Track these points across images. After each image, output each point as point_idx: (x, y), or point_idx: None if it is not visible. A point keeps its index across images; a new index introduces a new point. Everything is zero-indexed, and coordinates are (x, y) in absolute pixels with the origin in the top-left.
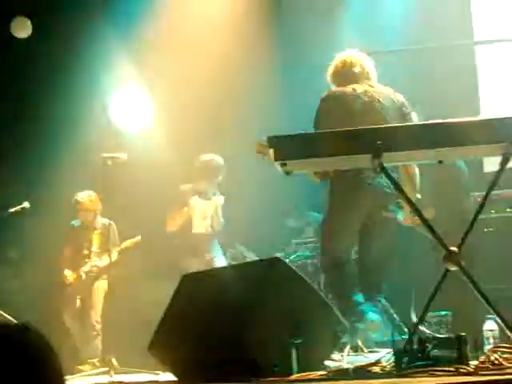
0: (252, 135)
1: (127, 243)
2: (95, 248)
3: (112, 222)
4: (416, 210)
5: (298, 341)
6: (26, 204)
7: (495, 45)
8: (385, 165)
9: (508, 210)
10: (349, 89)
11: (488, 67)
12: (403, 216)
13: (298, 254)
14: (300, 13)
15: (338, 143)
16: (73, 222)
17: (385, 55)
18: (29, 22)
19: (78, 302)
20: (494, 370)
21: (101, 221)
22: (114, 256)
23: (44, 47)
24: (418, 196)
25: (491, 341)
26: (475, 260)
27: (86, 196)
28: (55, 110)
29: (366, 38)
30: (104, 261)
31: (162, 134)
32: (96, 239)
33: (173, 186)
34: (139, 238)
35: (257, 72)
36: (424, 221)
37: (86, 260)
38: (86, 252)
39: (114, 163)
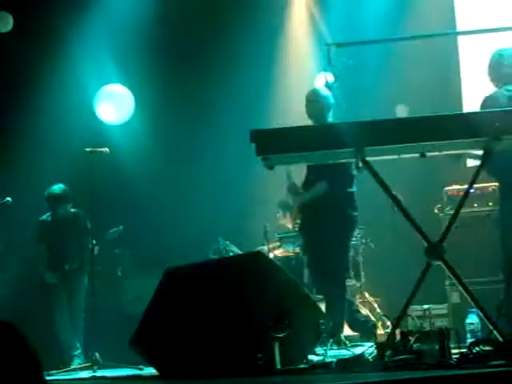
0: (238, 128)
1: (109, 234)
2: (72, 240)
3: (82, 212)
4: (399, 205)
5: (281, 335)
6: (8, 199)
7: (478, 35)
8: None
9: (475, 205)
10: None
11: (471, 58)
12: None
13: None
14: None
15: (321, 137)
16: (43, 217)
17: (365, 45)
18: (10, 17)
19: (64, 298)
20: (475, 363)
21: (72, 211)
22: (96, 250)
23: (26, 41)
24: None
25: (473, 334)
26: None
27: (59, 189)
28: (37, 104)
29: (347, 29)
30: (83, 254)
31: (144, 127)
32: (70, 232)
33: (154, 180)
34: (121, 227)
35: (242, 65)
36: (407, 216)
37: (64, 255)
38: (62, 246)
39: (97, 157)
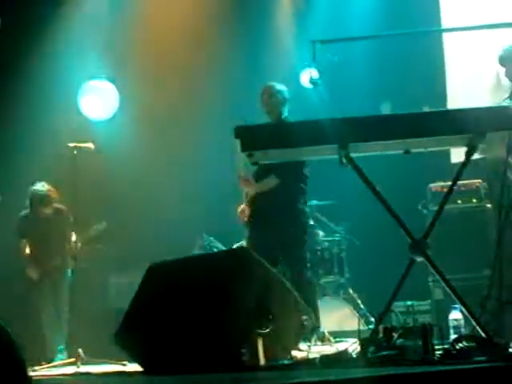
0: (225, 124)
1: (93, 230)
2: (54, 236)
3: (64, 208)
4: (383, 201)
5: (265, 330)
6: None
7: (463, 33)
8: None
9: (459, 201)
10: None
11: (455, 55)
12: None
13: None
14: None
15: (305, 133)
16: (23, 213)
17: (351, 42)
18: None
19: (49, 294)
20: (459, 359)
21: (53, 207)
22: (78, 246)
23: (10, 36)
24: None
25: (456, 330)
26: None
27: (43, 188)
28: (21, 99)
29: (332, 26)
30: (65, 250)
31: (129, 123)
32: (52, 228)
33: (139, 176)
34: (105, 224)
35: (228, 61)
36: (390, 212)
37: (47, 251)
38: (44, 243)
39: (81, 153)
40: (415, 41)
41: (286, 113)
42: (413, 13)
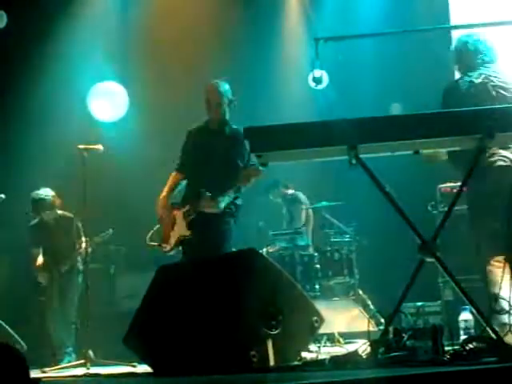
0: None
1: (99, 237)
2: (62, 242)
3: (71, 214)
4: (392, 202)
5: (275, 332)
6: (1, 196)
7: (472, 30)
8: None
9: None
10: None
11: None
12: None
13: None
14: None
15: (314, 134)
16: (32, 222)
17: (358, 41)
18: (4, 14)
19: (56, 297)
20: (469, 360)
21: (60, 214)
22: (85, 249)
23: (19, 38)
24: None
25: (466, 331)
26: None
27: (47, 193)
28: (31, 101)
29: (341, 22)
30: (75, 255)
31: (139, 125)
32: (61, 233)
33: (148, 177)
34: (111, 231)
35: (235, 61)
36: (400, 212)
37: (57, 257)
38: (54, 248)
39: (90, 155)
40: (423, 39)
41: (228, 113)
42: (421, 10)
